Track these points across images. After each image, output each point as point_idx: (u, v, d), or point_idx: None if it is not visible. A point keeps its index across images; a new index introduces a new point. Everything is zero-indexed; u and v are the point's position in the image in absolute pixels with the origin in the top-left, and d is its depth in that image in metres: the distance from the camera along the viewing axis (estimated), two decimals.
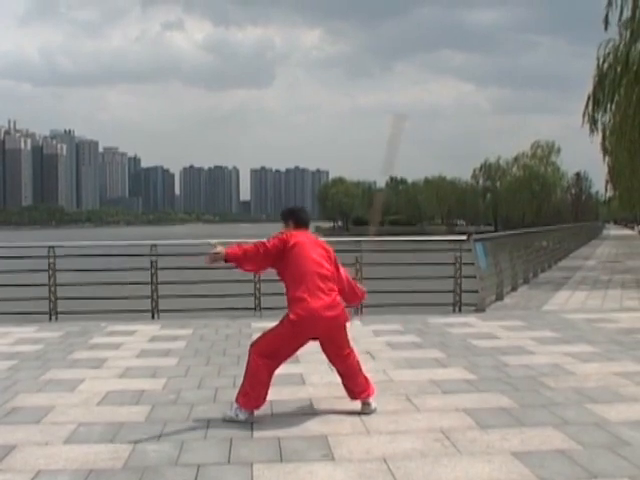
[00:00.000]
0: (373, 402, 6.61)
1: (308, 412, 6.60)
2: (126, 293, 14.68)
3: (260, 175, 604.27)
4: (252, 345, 6.61)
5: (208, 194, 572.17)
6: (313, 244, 6.58)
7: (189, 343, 10.50)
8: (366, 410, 6.53)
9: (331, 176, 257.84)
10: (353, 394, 6.65)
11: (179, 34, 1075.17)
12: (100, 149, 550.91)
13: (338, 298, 6.52)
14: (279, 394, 7.23)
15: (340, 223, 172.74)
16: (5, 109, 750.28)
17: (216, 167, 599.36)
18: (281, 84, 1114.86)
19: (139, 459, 5.38)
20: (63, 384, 7.89)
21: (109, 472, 5.13)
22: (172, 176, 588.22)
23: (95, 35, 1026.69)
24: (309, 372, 8.25)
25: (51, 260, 13.79)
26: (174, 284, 14.97)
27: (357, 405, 6.73)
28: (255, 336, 10.75)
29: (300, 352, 9.49)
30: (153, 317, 13.59)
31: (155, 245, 14.27)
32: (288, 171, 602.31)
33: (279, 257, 6.45)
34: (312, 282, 6.33)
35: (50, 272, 13.83)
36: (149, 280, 13.89)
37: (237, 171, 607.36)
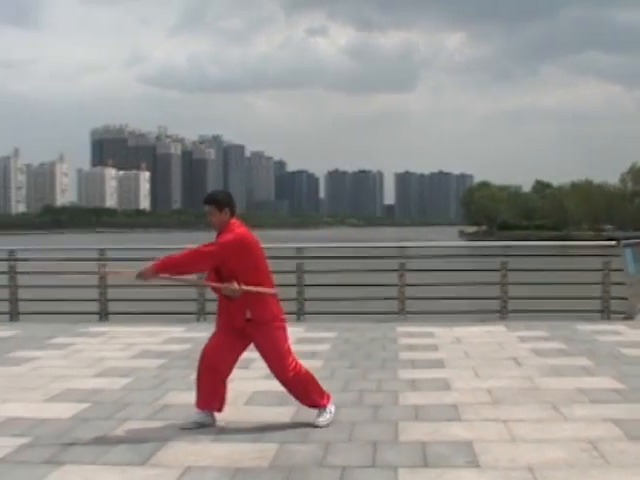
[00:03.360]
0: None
1: (453, 417, 6.57)
2: None
3: (404, 179, 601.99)
4: (287, 372, 6.51)
5: (352, 198, 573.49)
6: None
7: (334, 346, 10.58)
8: None
9: (475, 180, 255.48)
10: None
11: (322, 40, 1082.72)
12: (247, 153, 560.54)
13: None
14: (424, 399, 7.24)
15: (485, 227, 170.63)
16: (157, 115, 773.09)
17: (360, 171, 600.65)
18: (424, 88, 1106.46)
19: (285, 459, 5.48)
20: None
21: (256, 470, 5.25)
22: (316, 180, 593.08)
23: (241, 43, 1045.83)
24: (454, 377, 8.21)
25: None
26: (319, 287, 15.08)
27: (504, 412, 6.67)
28: (402, 340, 10.83)
29: (445, 357, 9.50)
30: (299, 319, 13.75)
31: (301, 248, 14.44)
32: (432, 175, 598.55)
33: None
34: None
35: (198, 274, 14.12)
36: (295, 282, 14.05)
37: (381, 175, 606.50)
